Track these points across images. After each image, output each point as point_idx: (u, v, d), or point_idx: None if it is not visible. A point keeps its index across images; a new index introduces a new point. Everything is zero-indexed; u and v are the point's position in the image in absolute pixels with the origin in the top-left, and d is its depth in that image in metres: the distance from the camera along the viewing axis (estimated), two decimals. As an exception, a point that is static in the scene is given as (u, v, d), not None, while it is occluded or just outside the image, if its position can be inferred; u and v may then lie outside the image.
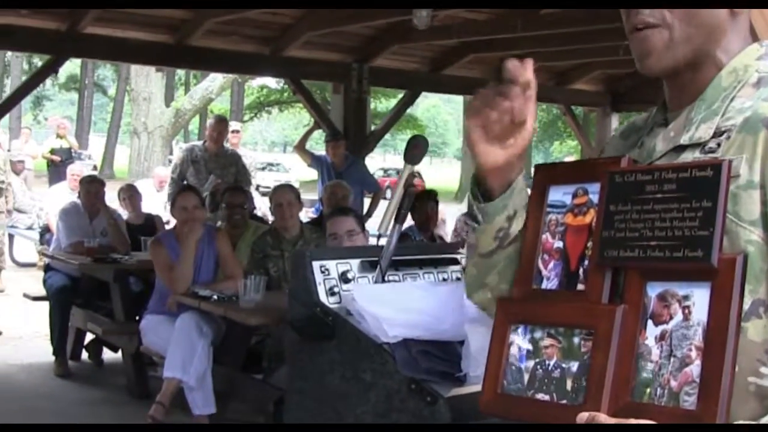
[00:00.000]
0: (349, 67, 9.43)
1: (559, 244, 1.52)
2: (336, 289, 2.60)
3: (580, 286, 1.47)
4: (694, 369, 1.29)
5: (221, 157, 8.80)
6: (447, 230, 10.28)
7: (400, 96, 11.34)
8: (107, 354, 7.40)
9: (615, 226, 1.42)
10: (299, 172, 29.26)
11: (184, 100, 21.64)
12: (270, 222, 6.95)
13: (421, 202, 7.68)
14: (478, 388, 1.56)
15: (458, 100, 43.68)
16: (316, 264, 2.57)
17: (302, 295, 2.52)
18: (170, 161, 20.97)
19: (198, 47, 8.51)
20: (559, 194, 1.54)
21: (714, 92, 1.50)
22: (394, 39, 9.03)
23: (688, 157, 1.46)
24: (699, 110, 1.50)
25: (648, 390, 1.33)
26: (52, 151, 17.36)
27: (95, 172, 28.88)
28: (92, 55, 9.94)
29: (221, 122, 9.08)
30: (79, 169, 10.57)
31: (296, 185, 24.76)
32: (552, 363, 1.44)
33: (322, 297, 2.57)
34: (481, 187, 1.63)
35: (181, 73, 38.59)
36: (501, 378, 1.50)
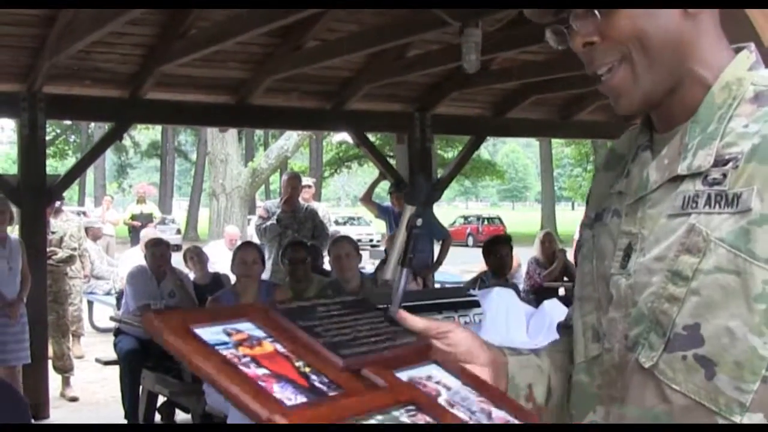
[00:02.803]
0: (411, 116, 9.43)
1: (263, 370, 1.27)
2: (347, 340, 2.50)
3: (333, 393, 1.26)
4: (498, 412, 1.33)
5: (298, 213, 8.81)
6: (522, 275, 10.12)
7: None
8: (180, 415, 7.40)
9: (327, 333, 1.35)
10: (381, 225, 29.38)
11: (261, 160, 21.91)
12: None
13: (495, 247, 7.58)
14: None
15: (536, 144, 43.46)
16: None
17: (312, 347, 2.44)
18: (250, 221, 21.22)
19: (259, 106, 8.60)
20: (209, 334, 1.30)
21: (707, 112, 1.35)
22: (453, 85, 9.01)
23: (688, 188, 1.32)
24: (693, 134, 1.35)
25: None
26: (133, 217, 17.69)
27: (179, 236, 29.44)
28: (155, 120, 10.14)
29: (294, 178, 9.11)
30: (152, 233, 10.72)
31: (378, 238, 24.78)
32: None
33: (332, 348, 2.48)
34: None
35: (260, 133, 39.20)
36: None
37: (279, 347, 1.31)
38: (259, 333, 1.34)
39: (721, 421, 1.25)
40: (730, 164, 1.28)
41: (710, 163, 1.30)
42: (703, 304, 1.27)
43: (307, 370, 1.28)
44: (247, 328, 1.34)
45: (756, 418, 1.24)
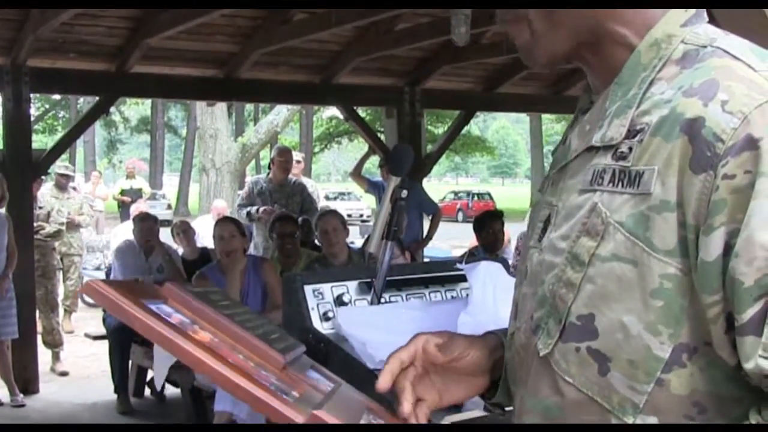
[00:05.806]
0: (400, 90, 9.37)
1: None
2: (331, 314, 2.45)
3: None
4: None
5: (286, 187, 8.75)
6: (512, 250, 10.08)
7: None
8: (170, 390, 7.38)
9: (249, 325, 1.41)
10: (371, 200, 29.27)
11: (251, 135, 21.81)
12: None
13: (488, 222, 7.55)
14: (476, 413, 1.44)
15: (526, 120, 43.41)
16: (308, 288, 2.43)
17: (295, 322, 2.40)
18: (239, 196, 21.14)
19: (248, 79, 8.54)
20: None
21: (631, 73, 1.19)
22: (444, 59, 8.94)
23: (600, 162, 1.18)
24: (614, 98, 1.20)
25: None
26: (123, 192, 17.64)
27: (170, 212, 29.37)
28: (142, 94, 10.08)
29: (285, 152, 9.00)
30: (143, 208, 10.69)
31: (369, 213, 24.85)
32: None
33: (316, 323, 2.43)
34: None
35: (249, 108, 39.03)
36: None
37: (211, 336, 1.28)
38: (183, 318, 1.30)
39: (614, 421, 1.15)
40: (638, 137, 1.14)
41: (622, 134, 1.16)
42: (598, 294, 1.15)
43: (251, 364, 1.27)
44: (170, 312, 1.31)
45: (650, 421, 1.13)
